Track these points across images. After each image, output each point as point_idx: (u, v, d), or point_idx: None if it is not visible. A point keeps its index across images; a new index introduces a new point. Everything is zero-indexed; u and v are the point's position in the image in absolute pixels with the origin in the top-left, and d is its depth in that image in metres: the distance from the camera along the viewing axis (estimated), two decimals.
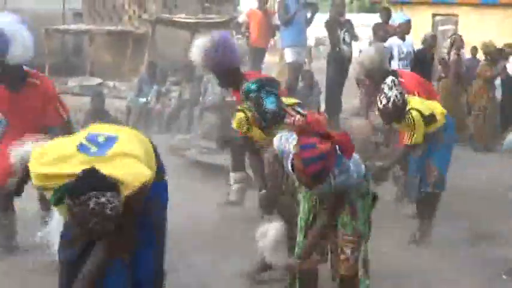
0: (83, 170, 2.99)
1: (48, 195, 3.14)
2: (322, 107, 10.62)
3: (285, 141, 3.89)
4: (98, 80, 13.90)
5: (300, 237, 4.23)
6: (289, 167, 3.72)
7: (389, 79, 5.65)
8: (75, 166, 3.07)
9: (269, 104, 4.63)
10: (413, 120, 5.60)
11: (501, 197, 7.60)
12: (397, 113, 5.59)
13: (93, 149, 3.23)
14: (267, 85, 4.72)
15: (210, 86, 10.11)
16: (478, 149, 10.64)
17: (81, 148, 3.22)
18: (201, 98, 10.69)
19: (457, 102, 10.97)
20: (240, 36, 11.37)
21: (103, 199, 2.93)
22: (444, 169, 6.09)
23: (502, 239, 6.43)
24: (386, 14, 10.84)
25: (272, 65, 12.24)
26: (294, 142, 3.61)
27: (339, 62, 10.08)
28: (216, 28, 14.18)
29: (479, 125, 10.93)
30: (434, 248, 6.09)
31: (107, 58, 15.30)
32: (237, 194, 6.86)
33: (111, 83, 13.68)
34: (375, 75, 6.50)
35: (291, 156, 3.67)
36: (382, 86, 5.62)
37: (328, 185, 3.69)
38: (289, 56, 10.05)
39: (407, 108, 5.61)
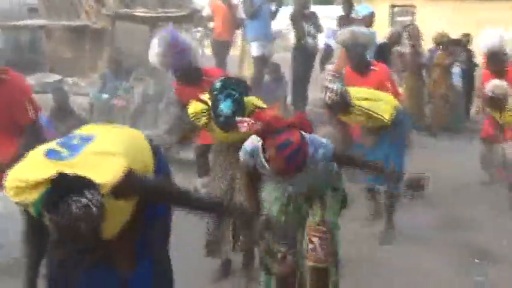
0: (51, 179, 2.80)
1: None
2: (289, 99, 10.66)
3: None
4: (57, 77, 13.66)
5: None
6: (264, 162, 3.66)
7: (329, 74, 5.75)
8: (43, 173, 2.86)
9: (224, 107, 4.42)
10: (364, 107, 5.65)
11: (469, 183, 7.77)
12: (343, 104, 5.61)
13: (64, 153, 3.03)
14: (231, 87, 4.50)
15: None
16: (437, 135, 10.79)
17: (49, 154, 3.02)
18: (167, 93, 10.62)
19: (418, 92, 11.12)
20: (203, 29, 11.38)
21: (84, 200, 2.75)
22: (399, 166, 5.93)
23: (474, 224, 6.57)
24: (349, 6, 10.91)
25: (236, 58, 12.22)
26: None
27: (304, 55, 10.12)
28: (176, 22, 14.24)
29: (439, 112, 11.09)
30: (409, 235, 6.17)
31: (65, 54, 15.04)
32: None
33: (70, 80, 13.50)
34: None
35: (260, 151, 3.67)
36: (326, 81, 5.70)
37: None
38: (254, 49, 10.06)
39: (351, 101, 5.65)
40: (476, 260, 5.67)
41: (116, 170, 2.99)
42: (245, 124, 3.62)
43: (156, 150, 3.52)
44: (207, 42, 11.95)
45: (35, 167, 2.95)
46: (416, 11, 16.35)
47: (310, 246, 4.07)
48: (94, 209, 2.76)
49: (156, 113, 11.16)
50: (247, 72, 10.96)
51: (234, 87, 4.50)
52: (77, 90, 12.61)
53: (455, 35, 11.92)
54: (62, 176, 2.80)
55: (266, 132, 3.52)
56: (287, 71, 10.77)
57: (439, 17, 14.95)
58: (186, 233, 4.81)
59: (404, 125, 6.09)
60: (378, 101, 5.76)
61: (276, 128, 3.50)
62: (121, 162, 3.03)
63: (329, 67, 10.08)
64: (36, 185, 2.84)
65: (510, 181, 6.91)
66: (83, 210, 2.73)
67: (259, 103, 4.75)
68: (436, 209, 6.94)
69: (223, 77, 4.74)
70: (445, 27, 12.33)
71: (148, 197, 3.22)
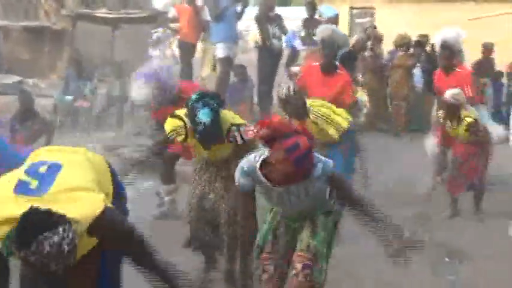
0: (22, 215, 2.69)
1: None
2: (255, 100, 10.71)
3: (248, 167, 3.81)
4: (17, 78, 13.50)
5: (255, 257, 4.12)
6: (262, 178, 3.68)
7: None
8: (14, 210, 2.76)
9: (202, 115, 4.38)
10: (321, 113, 5.73)
11: (430, 184, 7.87)
12: (298, 102, 5.67)
13: (33, 183, 2.92)
14: (207, 97, 4.51)
15: None
16: (401, 136, 10.95)
17: (19, 188, 2.90)
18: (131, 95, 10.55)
19: (380, 93, 11.29)
20: (168, 31, 11.35)
21: (56, 238, 2.64)
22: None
23: (442, 223, 6.73)
24: (312, 8, 11.01)
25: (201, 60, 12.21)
26: (261, 156, 3.68)
27: (269, 56, 10.20)
28: (138, 23, 14.18)
29: (401, 113, 11.26)
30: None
31: (23, 55, 14.85)
32: (169, 206, 6.85)
33: (30, 81, 13.34)
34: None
35: (257, 167, 3.69)
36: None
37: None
38: (220, 50, 10.08)
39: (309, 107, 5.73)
40: (446, 259, 5.78)
41: (95, 207, 2.92)
42: (250, 132, 3.63)
43: (113, 173, 3.45)
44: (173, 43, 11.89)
45: (5, 202, 2.85)
46: (375, 12, 16.55)
47: (293, 271, 3.95)
48: (66, 246, 2.68)
49: (121, 115, 11.10)
50: (205, 73, 10.96)
51: (212, 98, 4.52)
52: (37, 91, 12.45)
53: (414, 36, 12.11)
54: (33, 212, 2.71)
55: (274, 137, 3.50)
56: (250, 73, 10.82)
57: (398, 18, 15.15)
58: None
59: (353, 140, 6.16)
60: (335, 114, 5.86)
61: (284, 133, 3.51)
62: (99, 198, 2.98)
63: (294, 69, 10.14)
64: (5, 221, 2.76)
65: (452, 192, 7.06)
66: (54, 248, 2.65)
67: (236, 119, 4.77)
68: (405, 208, 7.03)
69: (199, 92, 4.72)
70: (404, 29, 12.51)
71: (116, 240, 3.09)
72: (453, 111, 6.73)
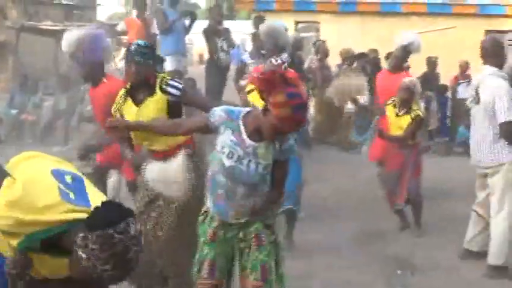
0: (103, 203, 2.60)
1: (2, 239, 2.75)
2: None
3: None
4: None
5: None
6: (241, 126, 3.65)
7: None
8: (61, 215, 2.64)
9: (134, 53, 4.65)
10: None
11: (375, 196, 7.93)
12: None
13: (71, 195, 2.77)
14: (143, 46, 4.78)
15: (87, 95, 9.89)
16: (348, 149, 11.04)
17: (63, 196, 2.74)
18: (77, 108, 10.43)
19: (329, 106, 11.38)
20: (114, 43, 11.25)
21: (138, 226, 2.58)
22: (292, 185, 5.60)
23: (392, 236, 6.80)
24: (260, 22, 11.04)
25: None
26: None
27: (217, 70, 10.21)
28: None
29: (348, 127, 11.37)
30: (330, 250, 6.29)
31: None
32: None
33: None
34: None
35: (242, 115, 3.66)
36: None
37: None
38: (169, 64, 10.04)
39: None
40: (398, 272, 5.84)
41: None
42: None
43: None
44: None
45: (53, 207, 2.69)
46: (320, 27, 16.69)
47: None
48: (142, 239, 2.60)
49: (67, 129, 10.94)
50: None
51: (146, 46, 4.78)
52: None
53: (358, 50, 12.28)
54: (112, 202, 2.64)
55: (275, 82, 3.46)
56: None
57: (343, 33, 15.33)
58: None
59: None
60: None
61: (286, 79, 3.49)
62: None
63: (243, 83, 10.16)
64: (48, 223, 2.64)
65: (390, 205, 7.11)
66: (139, 235, 2.56)
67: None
68: (354, 222, 7.11)
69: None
70: (348, 43, 12.70)
71: None
72: (407, 96, 6.73)
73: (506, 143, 5.58)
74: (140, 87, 4.71)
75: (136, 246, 2.53)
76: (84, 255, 2.48)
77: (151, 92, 4.63)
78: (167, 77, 4.77)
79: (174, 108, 4.64)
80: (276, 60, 5.61)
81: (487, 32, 13.71)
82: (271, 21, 11.00)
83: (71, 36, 5.60)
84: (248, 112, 3.73)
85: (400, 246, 6.53)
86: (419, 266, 5.99)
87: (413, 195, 6.84)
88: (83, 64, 5.62)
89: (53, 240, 2.67)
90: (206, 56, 11.31)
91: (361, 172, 9.04)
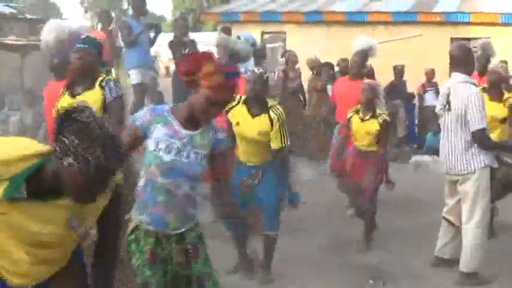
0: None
1: None
2: None
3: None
4: None
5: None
6: (171, 119, 3.57)
7: None
8: (33, 150, 2.61)
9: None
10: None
11: (342, 206, 7.95)
12: None
13: None
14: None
15: None
16: (316, 158, 10.98)
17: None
18: (44, 123, 10.25)
19: (296, 116, 11.34)
20: None
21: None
22: (273, 209, 5.64)
23: (360, 245, 6.72)
24: (227, 34, 10.99)
25: None
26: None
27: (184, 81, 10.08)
28: None
29: (318, 136, 11.34)
30: (300, 261, 6.24)
31: None
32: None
33: None
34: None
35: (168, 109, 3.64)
36: None
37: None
38: (133, 77, 9.93)
39: None
40: (371, 281, 5.81)
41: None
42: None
43: None
44: None
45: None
46: (286, 37, 16.72)
47: None
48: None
49: None
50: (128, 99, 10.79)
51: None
52: None
53: (324, 60, 12.30)
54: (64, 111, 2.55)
55: (202, 57, 3.47)
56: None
57: (309, 42, 15.36)
58: None
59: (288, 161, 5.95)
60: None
61: (211, 54, 3.51)
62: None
63: None
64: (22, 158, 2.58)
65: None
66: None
67: None
68: (323, 232, 7.07)
69: None
70: (315, 53, 12.71)
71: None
72: (371, 96, 6.63)
73: (478, 150, 5.55)
74: (81, 80, 4.89)
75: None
76: (71, 157, 2.43)
77: (90, 86, 4.85)
78: (111, 78, 4.99)
79: (110, 109, 4.82)
80: (258, 69, 5.56)
81: (453, 39, 13.80)
82: (238, 32, 11.05)
83: (61, 27, 5.66)
84: (174, 105, 3.72)
85: (372, 255, 6.50)
86: (391, 274, 5.96)
87: (367, 203, 6.67)
88: (63, 56, 5.61)
89: (36, 184, 2.58)
90: (172, 68, 11.20)
91: (330, 182, 9.04)
